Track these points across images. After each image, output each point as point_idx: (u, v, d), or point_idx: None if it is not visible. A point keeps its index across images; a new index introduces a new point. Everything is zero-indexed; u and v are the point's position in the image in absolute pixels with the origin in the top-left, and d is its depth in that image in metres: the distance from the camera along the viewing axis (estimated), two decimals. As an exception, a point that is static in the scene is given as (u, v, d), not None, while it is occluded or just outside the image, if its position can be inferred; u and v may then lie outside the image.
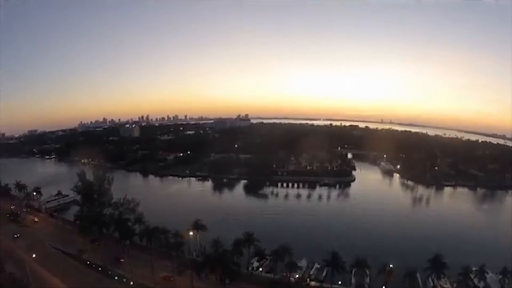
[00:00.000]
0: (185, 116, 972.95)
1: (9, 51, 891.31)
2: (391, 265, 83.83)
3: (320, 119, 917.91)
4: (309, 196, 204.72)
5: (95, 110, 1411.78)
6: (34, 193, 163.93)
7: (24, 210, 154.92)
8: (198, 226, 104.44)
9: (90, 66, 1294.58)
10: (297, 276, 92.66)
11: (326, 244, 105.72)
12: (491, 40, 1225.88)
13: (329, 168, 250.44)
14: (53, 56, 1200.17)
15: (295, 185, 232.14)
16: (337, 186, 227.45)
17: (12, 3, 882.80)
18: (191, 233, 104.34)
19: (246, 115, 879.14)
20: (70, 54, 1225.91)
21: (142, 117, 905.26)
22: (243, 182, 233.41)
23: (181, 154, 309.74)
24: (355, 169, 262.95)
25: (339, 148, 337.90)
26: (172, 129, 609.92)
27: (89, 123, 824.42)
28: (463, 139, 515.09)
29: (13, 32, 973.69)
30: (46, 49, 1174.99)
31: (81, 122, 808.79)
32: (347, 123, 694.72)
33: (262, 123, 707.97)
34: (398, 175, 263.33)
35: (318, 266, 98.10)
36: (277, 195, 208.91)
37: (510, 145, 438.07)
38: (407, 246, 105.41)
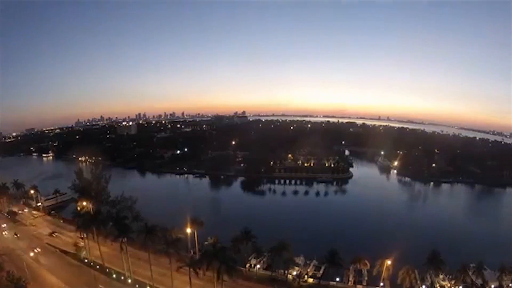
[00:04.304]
0: (182, 113, 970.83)
1: (7, 50, 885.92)
2: (388, 262, 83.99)
3: (317, 116, 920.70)
4: (306, 193, 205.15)
5: (92, 108, 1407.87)
6: (32, 192, 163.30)
7: (22, 209, 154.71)
8: (195, 223, 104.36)
9: (87, 64, 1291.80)
10: (294, 273, 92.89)
11: (323, 241, 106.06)
12: (490, 37, 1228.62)
13: (326, 165, 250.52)
14: (50, 55, 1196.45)
15: (292, 181, 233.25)
16: (335, 182, 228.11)
17: (12, 3, 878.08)
18: (188, 230, 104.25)
19: (243, 112, 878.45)
20: (68, 53, 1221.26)
21: (139, 114, 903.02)
22: (240, 179, 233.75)
23: (178, 152, 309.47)
24: (352, 166, 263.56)
25: (336, 145, 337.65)
26: (169, 126, 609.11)
27: (86, 121, 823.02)
28: (461, 136, 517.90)
29: (12, 31, 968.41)
30: (44, 49, 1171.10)
31: (78, 120, 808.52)
32: (345, 120, 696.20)
33: (260, 120, 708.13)
34: (395, 171, 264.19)
35: (316, 263, 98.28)
36: (274, 191, 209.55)
37: (509, 142, 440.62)
38: (404, 243, 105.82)
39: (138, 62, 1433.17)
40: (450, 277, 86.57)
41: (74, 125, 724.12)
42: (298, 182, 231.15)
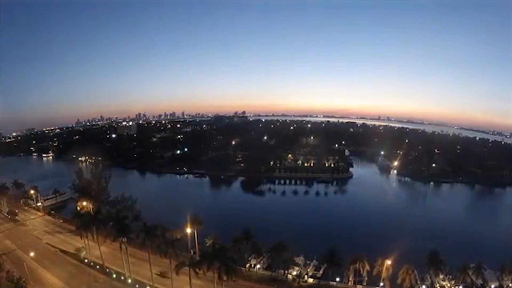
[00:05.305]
0: (182, 113, 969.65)
1: (7, 50, 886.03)
2: (388, 262, 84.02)
3: (317, 116, 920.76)
4: (306, 193, 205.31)
5: (92, 108, 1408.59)
6: (32, 192, 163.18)
7: (22, 209, 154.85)
8: (195, 222, 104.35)
9: (87, 64, 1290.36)
10: (294, 273, 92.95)
11: (323, 241, 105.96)
12: (490, 37, 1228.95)
13: (326, 165, 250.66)
14: (50, 55, 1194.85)
15: (292, 181, 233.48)
16: (334, 182, 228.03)
17: (12, 3, 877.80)
18: (188, 229, 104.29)
19: (243, 112, 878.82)
20: (68, 53, 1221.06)
21: (139, 114, 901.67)
22: (240, 179, 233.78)
23: (178, 152, 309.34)
24: (352, 166, 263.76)
25: (336, 145, 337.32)
26: (169, 126, 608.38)
27: (86, 121, 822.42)
28: (461, 136, 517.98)
29: (12, 31, 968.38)
30: (44, 49, 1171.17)
31: (78, 120, 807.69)
32: (345, 120, 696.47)
33: (260, 120, 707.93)
34: (395, 171, 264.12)
35: (316, 263, 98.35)
36: (274, 191, 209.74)
37: (509, 142, 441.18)
38: (404, 243, 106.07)
39: (138, 62, 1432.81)
40: (450, 277, 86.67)
41: (74, 125, 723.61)
42: (298, 182, 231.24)
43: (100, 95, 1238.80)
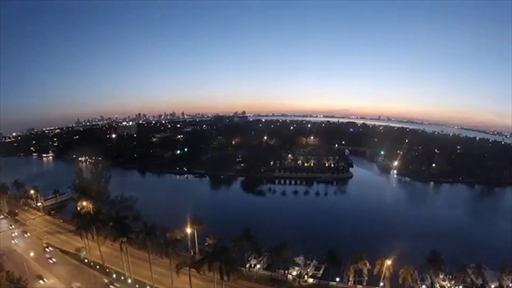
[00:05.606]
0: (182, 113, 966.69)
1: (7, 51, 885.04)
2: (388, 261, 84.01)
3: (317, 116, 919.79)
4: (306, 193, 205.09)
5: (92, 109, 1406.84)
6: (32, 192, 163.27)
7: (22, 208, 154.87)
8: (195, 222, 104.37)
9: (87, 64, 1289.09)
10: (294, 273, 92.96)
11: (323, 241, 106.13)
12: (490, 37, 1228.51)
13: (326, 165, 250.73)
14: (50, 55, 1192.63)
15: (292, 181, 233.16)
16: (334, 182, 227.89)
17: (12, 2, 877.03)
18: (188, 229, 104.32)
19: (243, 112, 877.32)
20: (68, 53, 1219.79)
21: (139, 114, 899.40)
22: (240, 179, 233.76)
23: (178, 152, 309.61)
24: (352, 166, 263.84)
25: (336, 145, 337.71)
26: (169, 126, 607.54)
27: (86, 121, 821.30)
28: (461, 136, 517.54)
29: (12, 31, 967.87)
30: (44, 49, 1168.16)
31: (78, 120, 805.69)
32: (345, 120, 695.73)
33: (260, 120, 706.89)
34: (395, 171, 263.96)
35: (316, 263, 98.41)
36: (274, 191, 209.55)
37: (509, 142, 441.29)
38: (404, 242, 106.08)
39: (138, 62, 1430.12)
40: (450, 277, 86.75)
41: (74, 125, 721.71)
42: (298, 182, 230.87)
43: (100, 95, 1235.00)
